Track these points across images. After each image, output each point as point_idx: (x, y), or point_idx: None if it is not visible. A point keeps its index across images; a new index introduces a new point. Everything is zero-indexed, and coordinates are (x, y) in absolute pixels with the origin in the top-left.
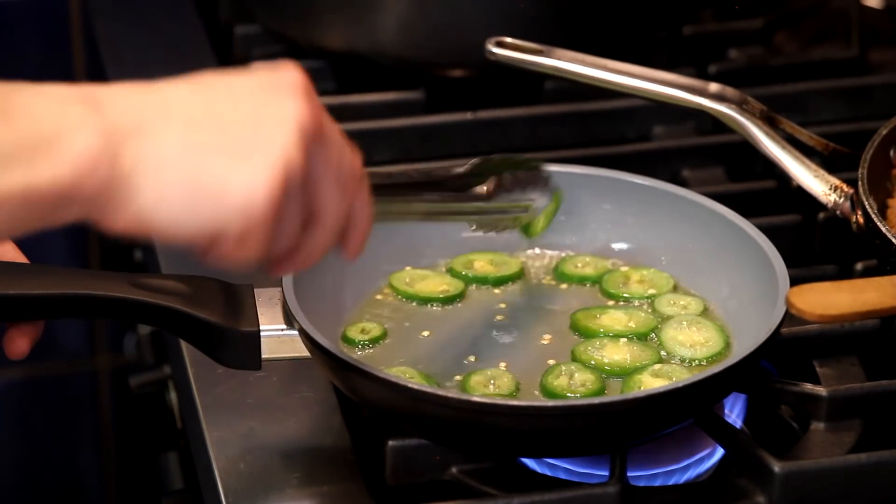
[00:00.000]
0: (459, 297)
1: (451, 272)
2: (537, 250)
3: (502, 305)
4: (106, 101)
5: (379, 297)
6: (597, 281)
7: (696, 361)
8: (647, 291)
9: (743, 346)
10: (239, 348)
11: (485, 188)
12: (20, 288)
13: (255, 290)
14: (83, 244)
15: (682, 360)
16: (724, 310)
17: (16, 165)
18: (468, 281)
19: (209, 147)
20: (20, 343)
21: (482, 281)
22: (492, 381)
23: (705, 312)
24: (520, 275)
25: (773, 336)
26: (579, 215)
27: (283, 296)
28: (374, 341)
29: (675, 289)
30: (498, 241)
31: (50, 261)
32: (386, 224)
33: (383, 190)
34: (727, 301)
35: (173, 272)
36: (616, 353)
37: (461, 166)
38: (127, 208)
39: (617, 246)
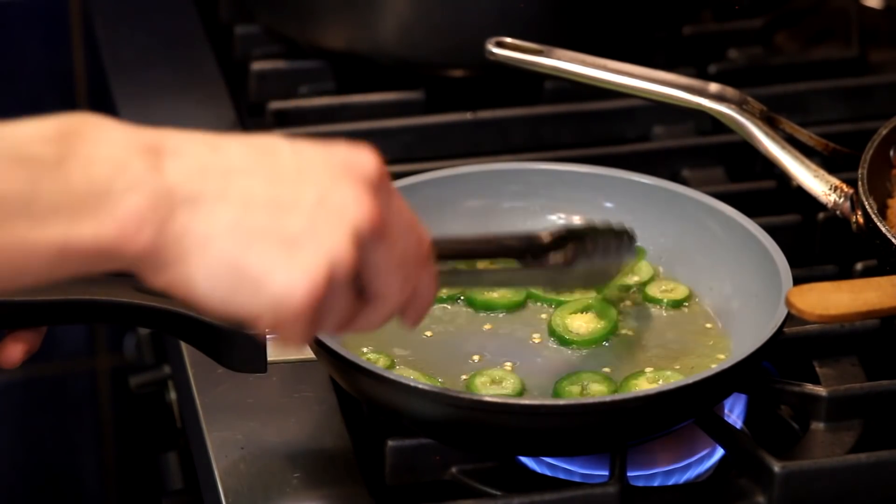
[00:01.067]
0: (461, 296)
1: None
2: None
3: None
4: (169, 154)
5: None
6: None
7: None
8: (632, 279)
9: (745, 346)
10: (245, 351)
11: (562, 257)
12: (23, 294)
13: None
14: None
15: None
16: (726, 308)
17: (58, 218)
18: None
19: (260, 233)
20: (13, 353)
21: None
22: (493, 381)
23: (691, 297)
24: None
25: (775, 336)
26: (581, 215)
27: None
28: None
29: (658, 275)
30: None
31: None
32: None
33: (451, 255)
34: (729, 299)
35: None
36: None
37: (540, 232)
38: (167, 274)
39: None
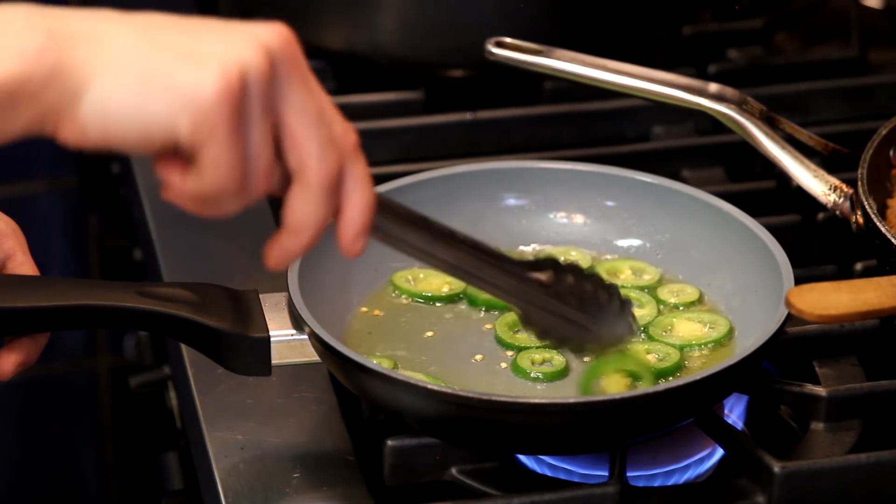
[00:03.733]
0: (462, 295)
1: None
2: (537, 246)
3: None
4: (60, 12)
5: (382, 296)
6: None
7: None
8: (642, 280)
9: (746, 343)
10: (249, 355)
11: (544, 275)
12: (27, 301)
13: (261, 296)
14: (84, 246)
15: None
16: (727, 306)
17: None
18: None
19: (166, 46)
20: (6, 364)
21: None
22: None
23: (701, 299)
24: None
25: (775, 336)
26: (582, 212)
27: (290, 300)
28: None
29: (662, 279)
30: (500, 239)
31: (51, 263)
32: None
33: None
34: (730, 298)
35: (175, 277)
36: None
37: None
38: (78, 106)
39: (620, 243)
